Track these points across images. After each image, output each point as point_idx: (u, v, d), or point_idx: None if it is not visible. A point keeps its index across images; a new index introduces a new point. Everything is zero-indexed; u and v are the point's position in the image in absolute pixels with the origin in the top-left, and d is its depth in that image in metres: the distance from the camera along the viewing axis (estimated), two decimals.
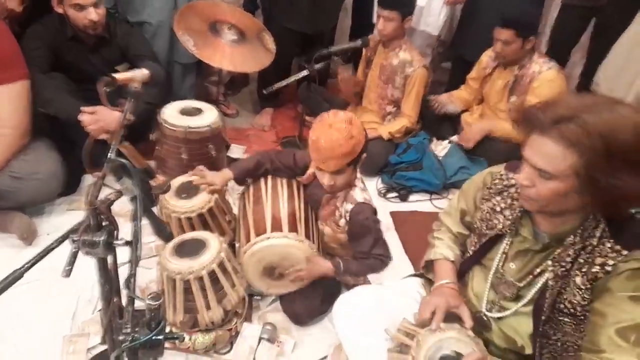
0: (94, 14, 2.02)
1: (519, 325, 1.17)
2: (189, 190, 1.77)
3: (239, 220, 1.80)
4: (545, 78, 2.31)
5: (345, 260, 1.60)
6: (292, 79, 2.53)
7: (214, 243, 1.53)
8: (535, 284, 1.12)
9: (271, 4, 2.87)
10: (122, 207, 1.81)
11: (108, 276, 1.09)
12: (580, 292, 1.03)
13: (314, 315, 1.71)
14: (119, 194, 1.10)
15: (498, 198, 1.21)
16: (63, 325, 1.62)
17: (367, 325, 1.26)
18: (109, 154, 1.09)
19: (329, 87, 3.37)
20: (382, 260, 1.59)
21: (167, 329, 1.54)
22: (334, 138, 1.40)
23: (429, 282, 1.39)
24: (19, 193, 1.90)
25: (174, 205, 1.71)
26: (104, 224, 1.00)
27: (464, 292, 1.29)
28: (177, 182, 1.81)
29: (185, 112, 2.11)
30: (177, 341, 1.49)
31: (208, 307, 1.50)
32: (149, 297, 0.94)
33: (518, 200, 1.15)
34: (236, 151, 2.65)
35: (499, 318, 1.20)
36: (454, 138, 2.71)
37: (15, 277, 0.88)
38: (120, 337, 0.94)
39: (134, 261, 0.99)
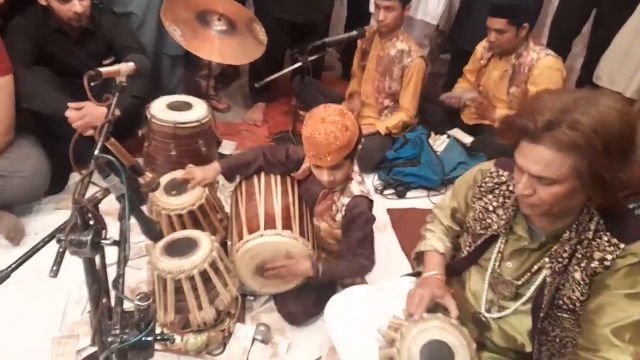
0: (78, 6, 1.99)
1: (519, 324, 1.17)
2: (178, 187, 1.74)
3: (231, 218, 1.77)
4: (544, 65, 2.30)
5: (325, 264, 1.57)
6: (285, 71, 2.49)
7: (206, 241, 1.50)
8: (534, 282, 1.12)
9: None
10: (110, 206, 1.76)
11: (96, 276, 1.07)
12: (580, 288, 1.03)
13: (308, 315, 1.69)
14: (107, 192, 1.08)
15: (490, 196, 1.20)
16: (52, 327, 1.59)
17: (360, 326, 1.26)
18: (94, 151, 1.07)
19: (323, 80, 3.34)
20: (361, 262, 1.56)
21: (158, 330, 1.52)
22: (329, 131, 1.38)
23: None
24: (3, 191, 1.87)
25: (164, 202, 1.68)
26: (91, 223, 0.98)
27: (461, 292, 1.29)
28: (166, 178, 1.77)
29: (174, 107, 2.07)
30: (168, 342, 1.47)
31: (200, 308, 1.48)
32: (138, 297, 0.91)
33: (510, 198, 1.15)
34: (227, 147, 2.61)
35: (499, 317, 1.19)
36: (453, 132, 2.69)
37: (2, 277, 0.88)
38: (110, 339, 0.93)
39: (122, 261, 0.98)
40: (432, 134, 2.74)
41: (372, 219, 1.57)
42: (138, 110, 2.08)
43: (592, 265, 1.00)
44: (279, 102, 3.24)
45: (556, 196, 0.96)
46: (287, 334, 1.67)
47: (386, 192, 2.51)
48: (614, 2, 2.66)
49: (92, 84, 1.26)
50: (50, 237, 0.98)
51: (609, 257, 0.98)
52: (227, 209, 1.91)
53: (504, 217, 1.16)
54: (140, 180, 1.41)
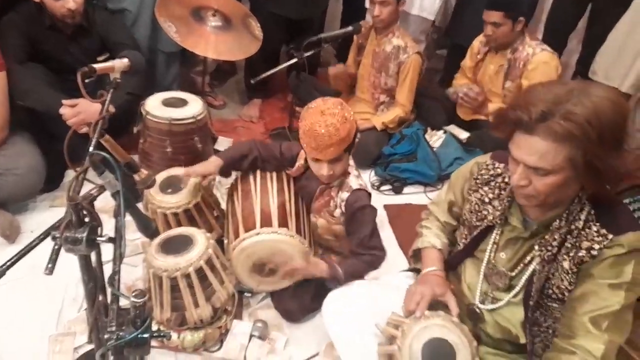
0: (71, 3, 1.97)
1: (512, 315, 1.18)
2: (174, 185, 1.73)
3: (227, 216, 1.77)
4: (539, 60, 2.30)
5: (343, 265, 1.54)
6: (281, 67, 2.47)
7: (201, 239, 1.49)
8: (526, 272, 1.13)
9: None
10: (107, 203, 1.75)
11: (92, 274, 1.07)
12: (568, 277, 1.04)
13: (306, 311, 1.68)
14: (102, 189, 1.07)
15: (486, 188, 1.21)
16: (49, 324, 1.59)
17: (357, 322, 1.26)
18: (89, 148, 1.06)
19: (319, 76, 3.33)
20: (377, 254, 1.56)
21: (155, 327, 1.51)
22: (329, 123, 1.38)
23: None
24: None
25: (159, 200, 1.67)
26: (86, 220, 0.97)
27: (457, 285, 1.29)
28: (161, 176, 1.76)
29: (169, 104, 2.05)
30: (165, 339, 1.47)
31: (196, 305, 1.47)
32: (134, 294, 0.91)
33: (505, 190, 1.16)
34: (224, 144, 2.60)
35: (493, 309, 1.20)
36: (449, 128, 2.68)
37: None
38: (106, 336, 0.92)
39: (118, 258, 0.97)
40: (429, 130, 2.74)
41: (375, 211, 1.58)
42: (133, 107, 2.07)
43: (580, 254, 1.01)
44: (275, 98, 3.22)
45: (551, 186, 0.97)
46: (285, 330, 1.66)
47: (383, 188, 2.51)
48: None
49: (86, 80, 1.25)
50: (46, 234, 0.98)
51: (597, 246, 1.00)
52: (223, 206, 1.90)
53: (499, 208, 1.17)
54: (136, 177, 1.40)
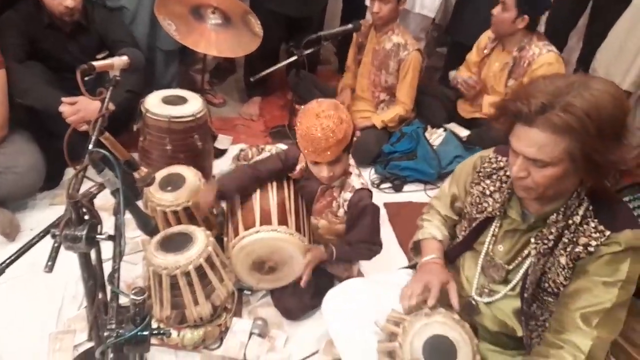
0: (69, 0, 1.96)
1: (508, 308, 1.19)
2: (174, 183, 1.72)
3: (227, 214, 1.77)
4: (544, 60, 2.29)
5: (337, 249, 1.59)
6: (281, 65, 2.47)
7: (201, 237, 1.49)
8: (523, 266, 1.14)
9: None
10: (107, 201, 1.74)
11: (92, 271, 1.07)
12: (564, 272, 1.05)
13: (305, 309, 1.69)
14: (101, 186, 1.07)
15: (488, 181, 1.22)
16: (49, 322, 1.59)
17: (357, 319, 1.26)
18: (89, 146, 1.06)
19: (319, 74, 3.32)
20: (373, 249, 1.59)
21: (155, 325, 1.51)
22: (325, 126, 1.38)
23: None
24: None
25: (159, 198, 1.67)
26: (86, 217, 0.97)
27: (456, 278, 1.29)
28: (161, 174, 1.76)
29: (169, 101, 2.05)
30: (165, 337, 1.47)
31: (196, 303, 1.47)
32: (133, 292, 0.91)
33: (507, 183, 1.17)
34: (223, 142, 2.60)
35: (489, 302, 1.21)
36: (449, 125, 2.68)
37: None
38: (106, 333, 0.92)
39: (118, 256, 0.97)
40: (429, 128, 2.73)
41: (378, 209, 1.59)
42: (133, 104, 2.07)
43: (577, 249, 1.02)
44: (274, 96, 3.22)
45: (550, 178, 0.97)
46: (285, 328, 1.67)
47: (383, 186, 2.50)
48: None
49: (85, 78, 1.25)
50: (45, 232, 0.97)
51: (594, 243, 1.00)
52: (223, 204, 1.90)
53: (499, 200, 1.17)
54: (135, 175, 1.40)
